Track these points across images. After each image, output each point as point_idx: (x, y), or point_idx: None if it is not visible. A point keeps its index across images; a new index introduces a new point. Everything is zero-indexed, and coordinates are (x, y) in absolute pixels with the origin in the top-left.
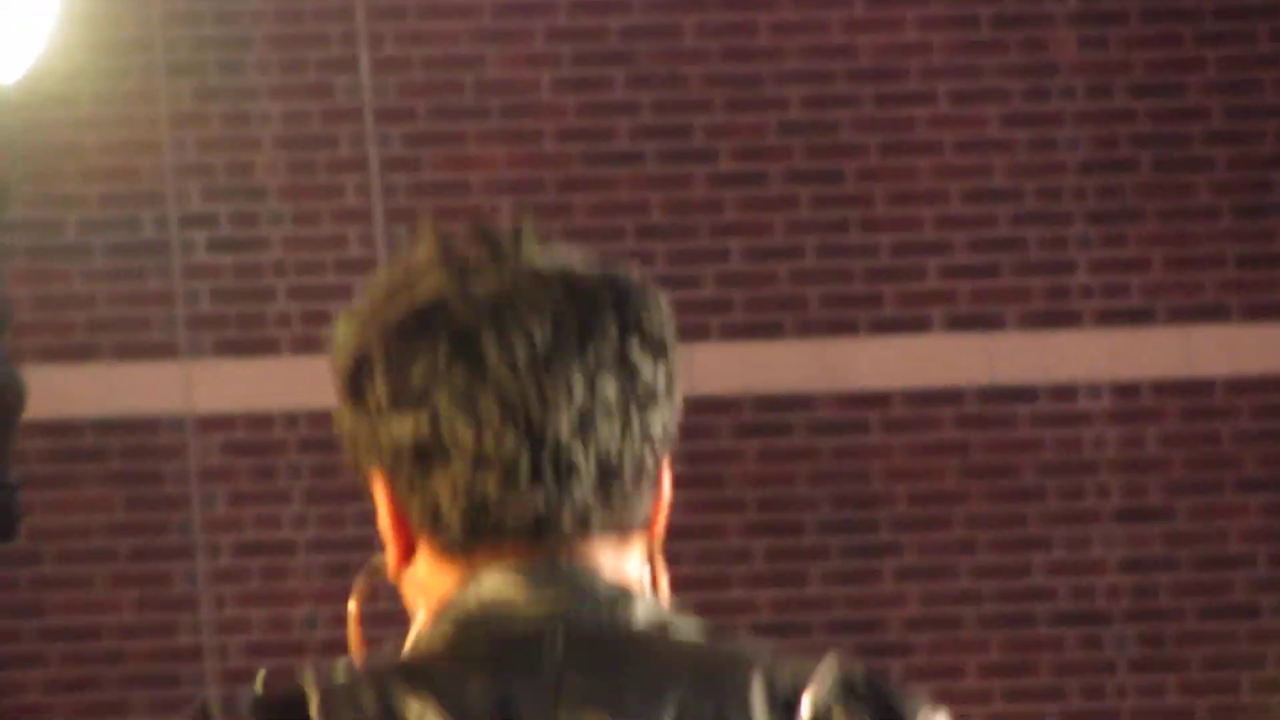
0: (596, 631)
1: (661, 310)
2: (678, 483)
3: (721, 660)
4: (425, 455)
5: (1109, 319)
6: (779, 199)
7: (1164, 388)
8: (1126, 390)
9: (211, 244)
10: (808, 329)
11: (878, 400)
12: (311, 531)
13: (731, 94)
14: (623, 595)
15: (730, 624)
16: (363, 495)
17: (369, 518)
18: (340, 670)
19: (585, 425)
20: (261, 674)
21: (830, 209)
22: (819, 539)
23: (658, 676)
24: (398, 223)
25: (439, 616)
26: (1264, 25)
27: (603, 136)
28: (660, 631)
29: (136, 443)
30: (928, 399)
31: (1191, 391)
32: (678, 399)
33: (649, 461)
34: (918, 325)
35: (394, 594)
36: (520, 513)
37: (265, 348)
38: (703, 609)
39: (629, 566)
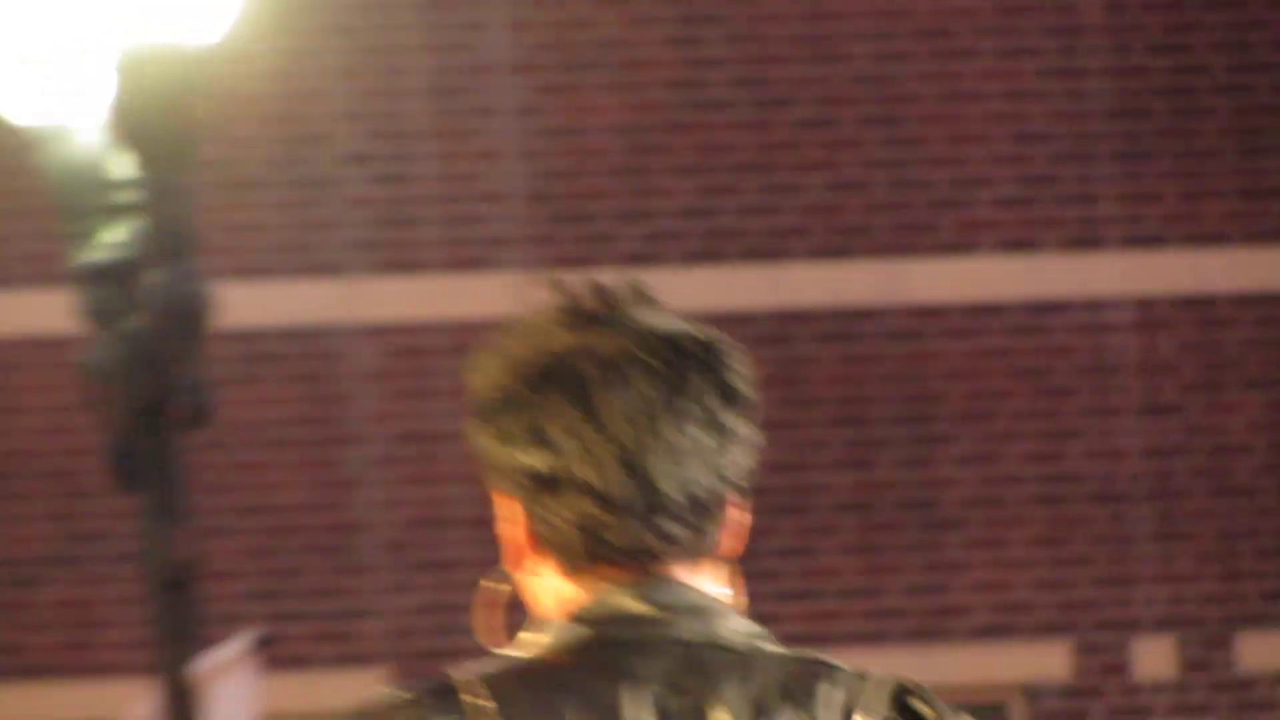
0: (706, 640)
1: (744, 367)
2: (768, 383)
3: (803, 670)
4: (548, 485)
5: (1130, 243)
6: (850, 140)
7: (1177, 302)
8: (1145, 304)
9: (369, 178)
10: (876, 251)
11: (936, 312)
12: (456, 423)
13: (808, 50)
14: (720, 609)
15: (809, 503)
16: None
17: None
18: (493, 667)
19: (679, 465)
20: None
21: (894, 149)
22: (887, 430)
23: (759, 683)
24: (526, 161)
25: (575, 620)
26: None
27: (699, 86)
28: (750, 641)
29: (308, 348)
30: (978, 311)
31: (1201, 305)
32: (754, 441)
33: (728, 496)
34: (969, 248)
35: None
36: (628, 538)
37: (415, 266)
38: (786, 490)
39: (714, 585)
